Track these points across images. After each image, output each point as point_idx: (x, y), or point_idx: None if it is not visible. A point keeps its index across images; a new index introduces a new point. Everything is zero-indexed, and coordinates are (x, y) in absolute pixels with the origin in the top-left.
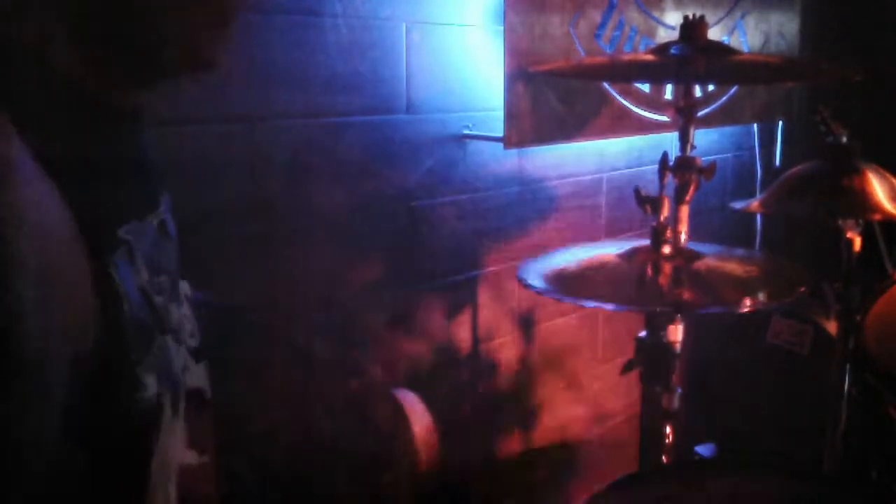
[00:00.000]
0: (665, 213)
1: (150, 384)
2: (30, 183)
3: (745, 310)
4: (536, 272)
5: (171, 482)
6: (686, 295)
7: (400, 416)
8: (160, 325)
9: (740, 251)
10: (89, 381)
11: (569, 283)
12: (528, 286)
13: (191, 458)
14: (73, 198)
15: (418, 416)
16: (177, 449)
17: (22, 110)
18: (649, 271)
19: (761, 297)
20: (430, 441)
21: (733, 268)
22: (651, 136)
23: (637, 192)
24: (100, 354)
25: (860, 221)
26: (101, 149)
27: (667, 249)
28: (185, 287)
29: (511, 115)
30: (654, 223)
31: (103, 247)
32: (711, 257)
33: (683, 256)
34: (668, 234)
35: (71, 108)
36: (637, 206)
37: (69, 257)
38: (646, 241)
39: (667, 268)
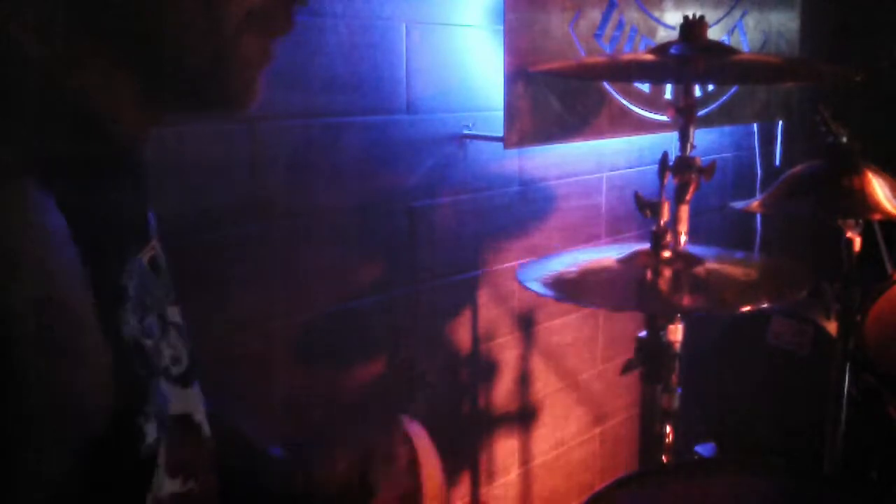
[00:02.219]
0: (665, 216)
1: (150, 432)
2: (62, 250)
3: (746, 309)
4: (536, 276)
5: None
6: (686, 300)
7: (413, 463)
8: (152, 370)
9: (740, 254)
10: (98, 436)
11: (569, 288)
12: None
13: (174, 486)
14: (87, 251)
15: (430, 464)
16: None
17: (50, 165)
18: (649, 276)
19: (761, 301)
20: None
21: (733, 271)
22: (651, 136)
23: (637, 196)
24: (108, 410)
25: (860, 221)
26: (109, 197)
27: (667, 253)
28: (174, 313)
29: (511, 115)
30: (653, 227)
31: (111, 298)
32: (711, 260)
33: (683, 260)
34: (668, 237)
35: (85, 147)
36: (637, 209)
37: (91, 321)
38: (646, 245)
39: (666, 272)
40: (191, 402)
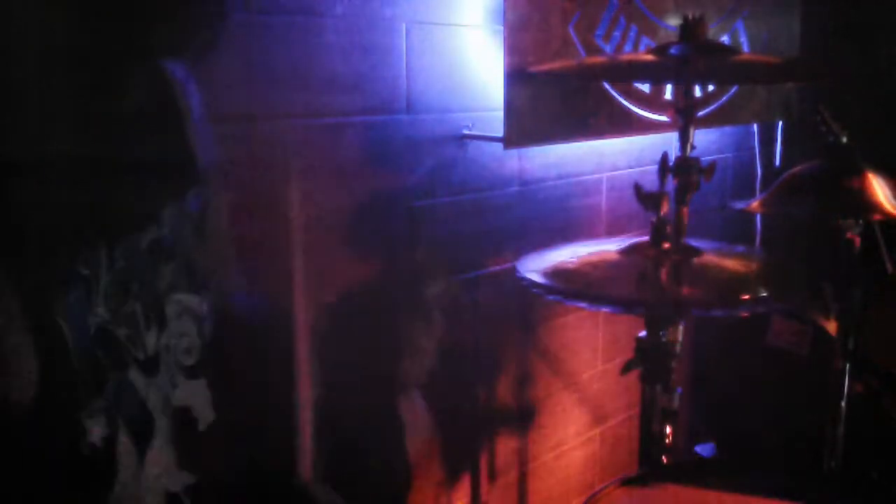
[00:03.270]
0: (665, 209)
1: (95, 430)
2: None
3: (745, 301)
4: (535, 268)
5: None
6: (685, 290)
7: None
8: (120, 362)
9: (740, 248)
10: (27, 435)
11: (568, 280)
12: (527, 283)
13: (183, 480)
14: (17, 240)
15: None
16: (159, 480)
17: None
18: (649, 267)
19: (762, 293)
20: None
21: (733, 264)
22: (651, 136)
23: (637, 188)
24: (39, 411)
25: (860, 221)
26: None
27: (667, 245)
28: (190, 300)
29: (511, 115)
30: (653, 219)
31: (54, 292)
32: (711, 253)
33: (683, 253)
34: (668, 230)
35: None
36: (637, 202)
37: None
38: (646, 238)
39: (667, 264)
40: (193, 394)
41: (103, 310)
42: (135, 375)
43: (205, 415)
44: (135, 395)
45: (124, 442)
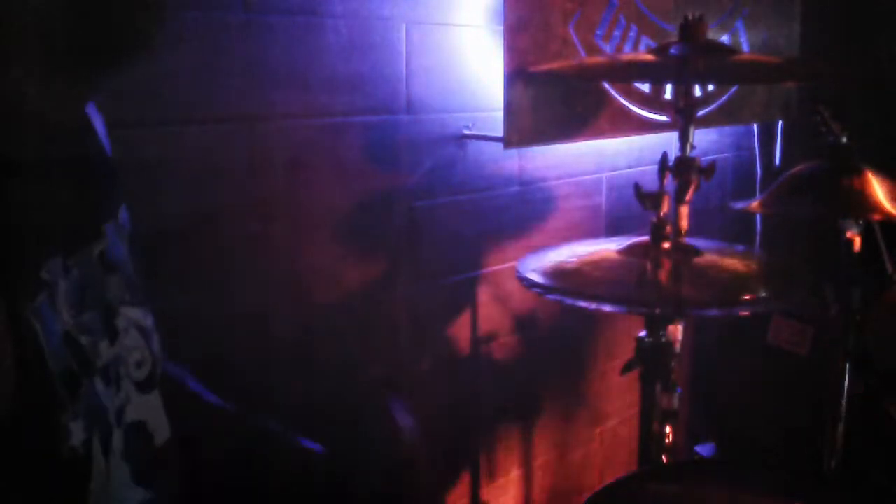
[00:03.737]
0: (665, 208)
1: (77, 431)
2: None
3: (745, 300)
4: (535, 268)
5: None
6: (685, 290)
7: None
8: (86, 368)
9: (740, 247)
10: (11, 434)
11: (567, 280)
12: (526, 284)
13: (140, 495)
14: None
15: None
16: (119, 492)
17: None
18: (649, 267)
19: (762, 292)
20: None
21: (733, 263)
22: (651, 136)
23: (637, 187)
24: (19, 409)
25: (860, 221)
26: (32, 180)
27: (666, 245)
28: (135, 314)
29: (511, 115)
30: (653, 219)
31: (23, 291)
32: (711, 253)
33: (683, 252)
34: (668, 229)
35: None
36: (637, 202)
37: None
38: (646, 238)
39: (666, 263)
40: (147, 409)
41: (67, 315)
42: (98, 383)
43: (160, 431)
44: (99, 404)
45: (95, 449)
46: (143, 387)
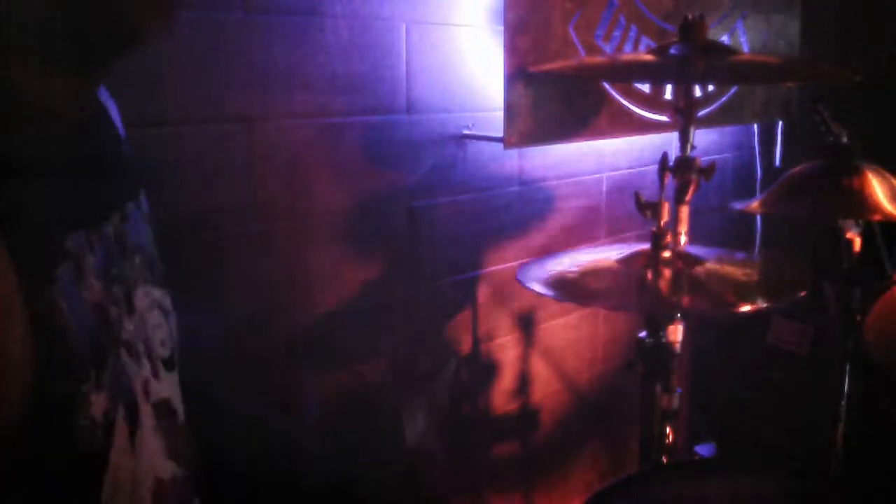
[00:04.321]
0: (665, 217)
1: (97, 402)
2: None
3: (745, 309)
4: (536, 277)
5: (144, 499)
6: (686, 300)
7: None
8: (114, 339)
9: (740, 254)
10: (30, 410)
11: (569, 289)
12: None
13: (171, 469)
14: (14, 206)
15: None
16: (150, 464)
17: None
18: (649, 276)
19: (761, 302)
20: None
21: (733, 271)
22: (651, 136)
23: (637, 196)
24: (41, 381)
25: (860, 221)
26: (47, 151)
27: (667, 254)
28: (157, 294)
29: (511, 115)
30: (653, 228)
31: (46, 262)
32: (711, 261)
33: (683, 260)
34: (668, 238)
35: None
36: (637, 209)
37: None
38: (646, 245)
39: (666, 273)
40: (171, 387)
41: (97, 286)
42: (124, 356)
43: (181, 410)
44: (126, 377)
45: (120, 421)
46: (168, 365)
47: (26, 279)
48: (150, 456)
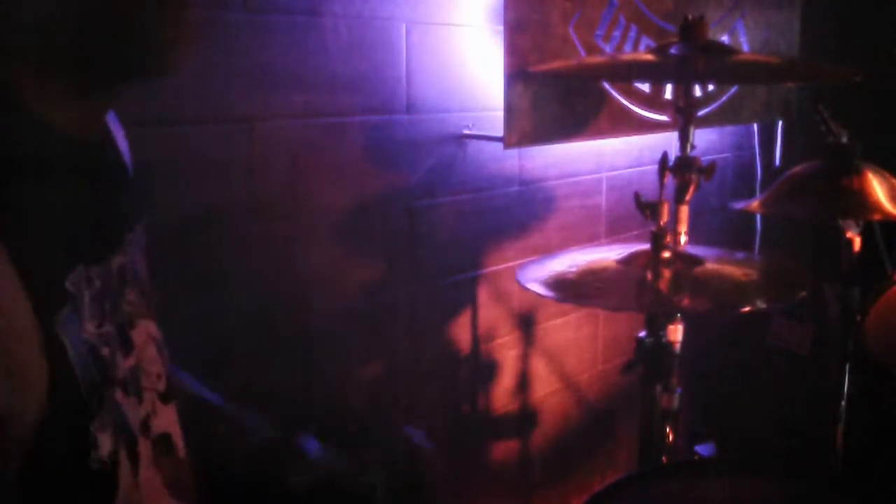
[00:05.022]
0: (665, 217)
1: (105, 442)
2: None
3: (746, 310)
4: (536, 277)
5: None
6: (686, 301)
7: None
8: (108, 379)
9: (740, 254)
10: (42, 445)
11: (569, 289)
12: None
13: None
14: (21, 249)
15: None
16: (151, 500)
17: None
18: (649, 276)
19: (760, 302)
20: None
21: (733, 271)
22: (651, 136)
23: (637, 197)
24: (52, 417)
25: (860, 221)
26: (54, 190)
27: (667, 254)
28: (152, 328)
29: (511, 115)
30: (653, 228)
31: (50, 302)
32: (711, 261)
33: (683, 261)
34: (668, 238)
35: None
36: (637, 209)
37: (17, 321)
38: (646, 245)
39: (666, 273)
40: (169, 422)
41: (91, 327)
42: (119, 395)
43: (181, 444)
44: (122, 415)
45: (122, 460)
46: (165, 398)
47: (40, 312)
48: (149, 492)
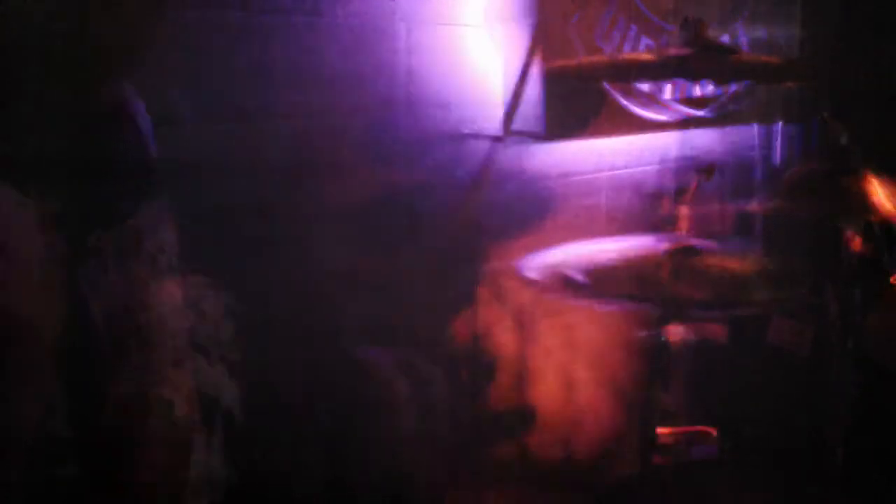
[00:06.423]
0: (666, 210)
1: (180, 405)
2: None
3: (746, 307)
4: (536, 275)
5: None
6: (686, 298)
7: None
8: (129, 330)
9: (741, 252)
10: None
11: (569, 288)
12: (528, 282)
13: (231, 475)
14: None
15: None
16: (212, 466)
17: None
18: (651, 274)
19: (762, 294)
20: None
21: (734, 270)
22: (651, 135)
23: (638, 195)
24: (75, 354)
25: (860, 221)
26: (79, 151)
27: (668, 252)
28: (226, 298)
29: (511, 114)
30: (655, 220)
31: (72, 259)
32: (713, 259)
33: (685, 258)
34: (669, 230)
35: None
36: (638, 204)
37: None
38: (647, 243)
39: (667, 270)
40: (216, 384)
41: (116, 278)
42: (138, 349)
43: (230, 404)
44: (140, 368)
45: (195, 420)
46: (232, 371)
47: (66, 270)
48: (210, 459)
